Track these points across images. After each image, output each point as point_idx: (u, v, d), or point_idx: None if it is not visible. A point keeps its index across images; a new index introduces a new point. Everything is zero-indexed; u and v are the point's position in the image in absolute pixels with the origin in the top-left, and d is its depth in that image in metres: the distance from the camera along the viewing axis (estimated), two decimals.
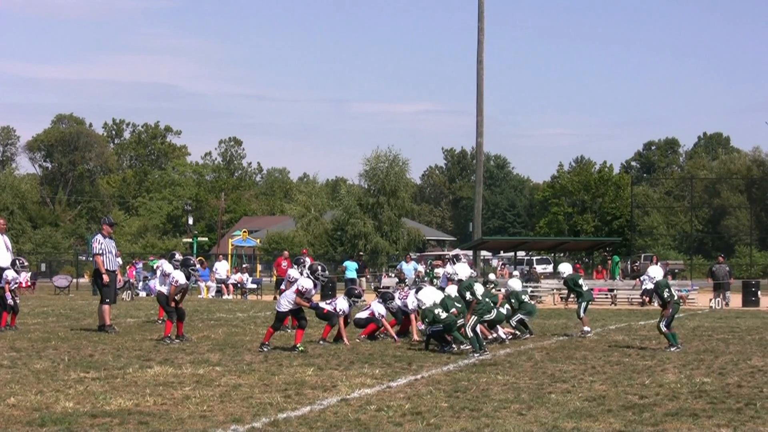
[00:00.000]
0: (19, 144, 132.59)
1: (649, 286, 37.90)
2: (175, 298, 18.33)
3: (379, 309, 19.31)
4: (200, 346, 17.38)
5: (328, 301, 19.28)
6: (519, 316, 19.95)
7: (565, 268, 21.74)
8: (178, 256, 24.08)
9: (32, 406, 10.41)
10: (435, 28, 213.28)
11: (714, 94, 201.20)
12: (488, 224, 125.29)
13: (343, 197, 78.08)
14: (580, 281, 21.15)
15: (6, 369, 13.64)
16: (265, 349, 16.38)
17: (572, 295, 22.40)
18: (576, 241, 71.47)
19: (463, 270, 17.17)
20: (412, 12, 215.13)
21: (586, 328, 20.63)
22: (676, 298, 17.76)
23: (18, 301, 21.39)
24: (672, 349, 17.17)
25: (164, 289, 18.86)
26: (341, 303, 18.49)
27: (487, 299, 17.22)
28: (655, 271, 18.19)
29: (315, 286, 17.01)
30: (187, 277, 18.60)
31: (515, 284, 20.66)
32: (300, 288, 16.71)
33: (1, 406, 10.48)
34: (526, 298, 20.44)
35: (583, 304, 20.76)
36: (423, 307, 17.53)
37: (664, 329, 17.53)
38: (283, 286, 21.09)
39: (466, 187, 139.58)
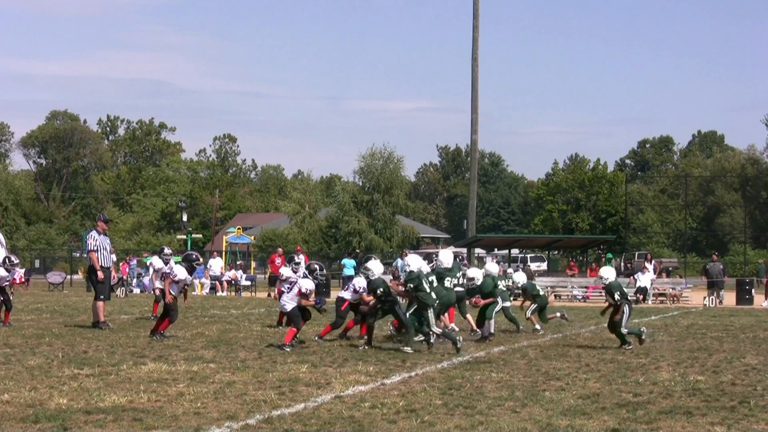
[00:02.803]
0: (14, 140, 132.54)
1: (644, 283, 38.12)
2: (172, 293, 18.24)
3: (360, 283, 18.91)
4: (194, 343, 17.37)
5: (346, 287, 19.11)
6: (505, 305, 19.84)
7: (520, 278, 21.63)
8: (167, 251, 24.24)
9: (26, 403, 10.40)
10: (430, 25, 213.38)
11: (708, 93, 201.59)
12: (483, 222, 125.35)
13: (338, 194, 77.97)
14: (536, 289, 21.18)
15: (0, 365, 13.62)
16: (287, 349, 16.12)
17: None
18: (570, 238, 71.49)
19: (414, 262, 17.00)
20: (407, 9, 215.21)
21: (537, 326, 20.70)
22: (626, 298, 17.61)
23: (12, 298, 21.37)
24: (627, 347, 17.04)
25: (172, 289, 18.53)
26: (359, 281, 18.31)
27: (440, 292, 17.04)
28: (608, 272, 18.11)
29: (316, 285, 17.02)
30: (190, 272, 18.53)
31: (492, 268, 20.38)
32: (302, 290, 16.71)
33: None
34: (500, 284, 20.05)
35: (533, 307, 20.78)
36: (372, 278, 17.41)
37: (624, 331, 17.37)
38: (284, 289, 21.03)
39: (460, 184, 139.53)
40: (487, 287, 18.97)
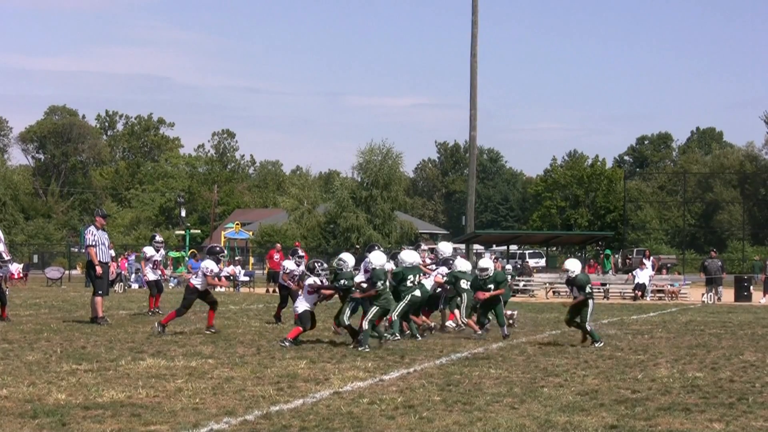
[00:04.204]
0: (12, 135, 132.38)
1: (642, 279, 38.09)
2: (199, 288, 18.23)
3: (209, 266, 18.92)
4: (193, 338, 17.38)
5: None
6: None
7: (462, 265, 21.21)
8: (159, 238, 24.38)
9: (24, 398, 10.39)
10: (429, 21, 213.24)
11: (707, 90, 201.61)
12: (481, 218, 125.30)
13: (337, 190, 77.93)
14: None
15: None
16: (286, 345, 16.06)
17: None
18: (568, 235, 71.52)
19: (377, 260, 16.93)
20: (406, 5, 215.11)
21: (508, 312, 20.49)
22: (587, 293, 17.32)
23: (7, 292, 21.38)
24: (597, 345, 16.75)
25: (197, 282, 18.52)
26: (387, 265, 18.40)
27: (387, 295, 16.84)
28: (573, 264, 17.90)
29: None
30: (217, 263, 18.68)
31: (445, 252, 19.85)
32: (311, 287, 16.76)
33: None
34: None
35: (464, 305, 20.59)
36: (345, 270, 17.28)
37: (589, 327, 17.11)
38: (288, 282, 20.98)
39: (459, 180, 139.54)
40: (501, 277, 18.85)
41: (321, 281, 16.99)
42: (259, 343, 16.72)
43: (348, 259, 17.47)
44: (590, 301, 17.26)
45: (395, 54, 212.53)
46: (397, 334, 16.88)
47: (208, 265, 18.53)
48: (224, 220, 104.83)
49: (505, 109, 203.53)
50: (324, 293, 16.85)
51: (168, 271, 48.35)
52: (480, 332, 18.31)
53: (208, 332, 18.18)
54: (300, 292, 17.15)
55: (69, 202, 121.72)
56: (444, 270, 19.33)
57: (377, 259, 16.86)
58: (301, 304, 16.77)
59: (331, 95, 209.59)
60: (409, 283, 17.47)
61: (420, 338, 17.66)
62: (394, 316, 17.33)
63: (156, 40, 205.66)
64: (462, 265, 19.17)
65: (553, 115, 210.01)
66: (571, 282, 17.64)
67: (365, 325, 16.05)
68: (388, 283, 16.74)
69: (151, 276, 23.93)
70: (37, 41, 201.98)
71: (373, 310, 16.18)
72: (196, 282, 18.59)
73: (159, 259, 24.32)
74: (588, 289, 17.23)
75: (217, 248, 19.46)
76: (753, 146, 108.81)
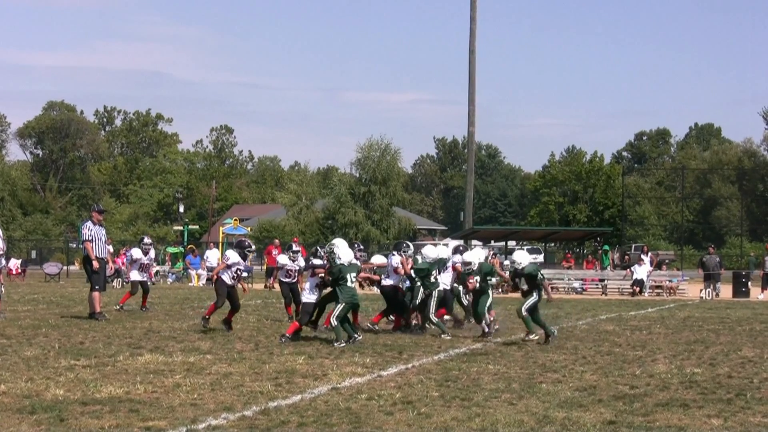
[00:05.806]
0: (10, 131, 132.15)
1: (641, 275, 38.09)
2: (229, 282, 18.00)
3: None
4: (191, 334, 17.38)
5: (386, 275, 18.99)
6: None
7: (471, 257, 20.88)
8: (147, 240, 24.36)
9: (22, 394, 10.39)
10: (428, 17, 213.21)
11: (706, 85, 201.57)
12: (479, 214, 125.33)
13: (335, 186, 77.94)
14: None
15: None
16: (283, 340, 16.07)
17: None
18: (567, 230, 71.46)
19: (345, 254, 16.89)
20: (405, 1, 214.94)
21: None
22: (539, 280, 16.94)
23: (2, 287, 21.37)
24: (531, 337, 16.43)
25: (226, 278, 18.07)
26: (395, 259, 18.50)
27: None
28: (521, 256, 17.63)
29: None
30: (243, 258, 18.19)
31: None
32: (309, 268, 16.86)
33: None
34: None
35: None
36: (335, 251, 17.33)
37: (524, 314, 16.58)
38: (281, 277, 20.91)
39: (457, 176, 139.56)
40: (487, 268, 18.56)
41: (323, 264, 17.02)
42: (257, 338, 16.72)
43: (339, 243, 17.43)
44: (535, 292, 16.79)
45: (394, 50, 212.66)
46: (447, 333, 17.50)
47: (230, 255, 18.04)
48: (222, 215, 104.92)
49: (503, 105, 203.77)
50: (317, 272, 16.80)
51: (166, 267, 48.38)
52: (488, 327, 18.11)
53: (221, 327, 18.01)
54: (301, 286, 17.24)
55: (67, 197, 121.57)
56: (461, 258, 19.17)
57: (346, 255, 16.84)
58: (306, 296, 16.85)
59: (330, 91, 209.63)
60: (433, 279, 17.78)
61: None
62: (430, 315, 17.58)
63: (154, 35, 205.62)
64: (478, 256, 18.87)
65: (551, 111, 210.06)
66: (519, 274, 17.23)
67: (333, 322, 15.96)
68: (351, 278, 16.59)
69: (134, 277, 23.99)
70: (36, 37, 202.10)
71: (340, 306, 16.11)
72: (225, 277, 18.16)
73: (146, 262, 24.29)
74: (540, 276, 16.77)
75: (246, 243, 18.77)
76: (751, 142, 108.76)
